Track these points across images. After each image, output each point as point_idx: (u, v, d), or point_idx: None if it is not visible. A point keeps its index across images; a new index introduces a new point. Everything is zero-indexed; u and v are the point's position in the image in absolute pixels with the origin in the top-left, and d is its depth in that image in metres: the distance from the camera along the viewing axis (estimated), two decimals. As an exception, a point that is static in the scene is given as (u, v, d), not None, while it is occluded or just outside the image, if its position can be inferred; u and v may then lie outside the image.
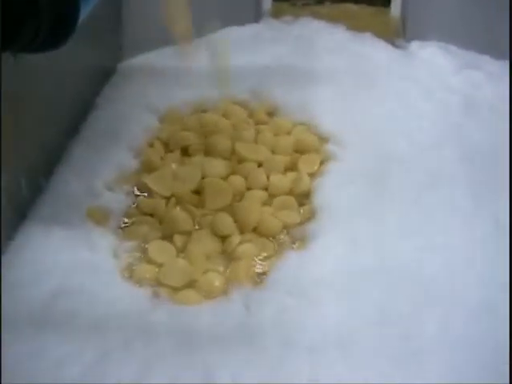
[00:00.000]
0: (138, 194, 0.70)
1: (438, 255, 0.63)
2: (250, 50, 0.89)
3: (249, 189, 0.70)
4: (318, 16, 0.97)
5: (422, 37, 0.95)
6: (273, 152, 0.74)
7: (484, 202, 0.68)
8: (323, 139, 0.76)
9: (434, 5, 0.97)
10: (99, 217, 0.66)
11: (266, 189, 0.70)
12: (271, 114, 0.80)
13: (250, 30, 0.96)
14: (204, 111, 0.80)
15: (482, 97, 0.85)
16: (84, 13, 0.52)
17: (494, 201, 0.68)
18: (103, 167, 0.71)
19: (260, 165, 0.73)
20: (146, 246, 0.63)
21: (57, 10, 0.47)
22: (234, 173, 0.71)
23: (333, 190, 0.69)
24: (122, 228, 0.66)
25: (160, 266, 0.62)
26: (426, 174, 0.72)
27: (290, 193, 0.70)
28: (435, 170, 0.72)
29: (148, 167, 0.72)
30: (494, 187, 0.70)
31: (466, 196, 0.69)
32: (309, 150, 0.75)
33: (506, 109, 0.83)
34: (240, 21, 0.98)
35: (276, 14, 0.99)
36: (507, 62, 0.91)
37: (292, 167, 0.73)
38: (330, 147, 0.75)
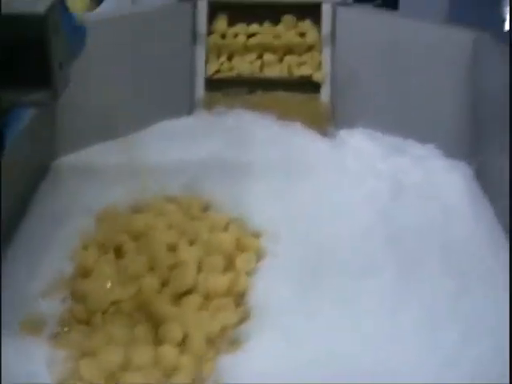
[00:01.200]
0: (73, 300, 0.69)
1: (371, 346, 0.64)
2: (184, 145, 0.91)
3: (185, 293, 0.70)
4: (250, 105, 1.00)
5: (350, 122, 0.98)
6: (209, 252, 0.74)
7: (412, 288, 0.70)
8: (258, 234, 0.77)
9: (360, 92, 1.01)
10: (33, 327, 0.65)
11: (203, 290, 0.70)
12: (206, 208, 0.82)
13: (183, 123, 0.98)
14: (139, 210, 0.81)
15: (408, 182, 0.88)
16: (11, 136, 0.53)
17: (422, 286, 0.71)
18: (38, 272, 0.71)
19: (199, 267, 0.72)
20: (79, 361, 0.62)
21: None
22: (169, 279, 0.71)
23: (267, 288, 0.70)
24: (56, 337, 0.65)
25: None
26: (357, 263, 0.74)
27: (228, 292, 0.71)
28: (365, 259, 0.74)
29: (83, 272, 0.72)
30: (422, 272, 0.73)
31: (396, 284, 0.71)
32: (246, 248, 0.75)
33: (432, 192, 0.87)
34: (174, 111, 1.00)
35: (209, 105, 1.01)
36: (431, 146, 0.95)
37: (229, 266, 0.74)
38: (264, 242, 0.76)
